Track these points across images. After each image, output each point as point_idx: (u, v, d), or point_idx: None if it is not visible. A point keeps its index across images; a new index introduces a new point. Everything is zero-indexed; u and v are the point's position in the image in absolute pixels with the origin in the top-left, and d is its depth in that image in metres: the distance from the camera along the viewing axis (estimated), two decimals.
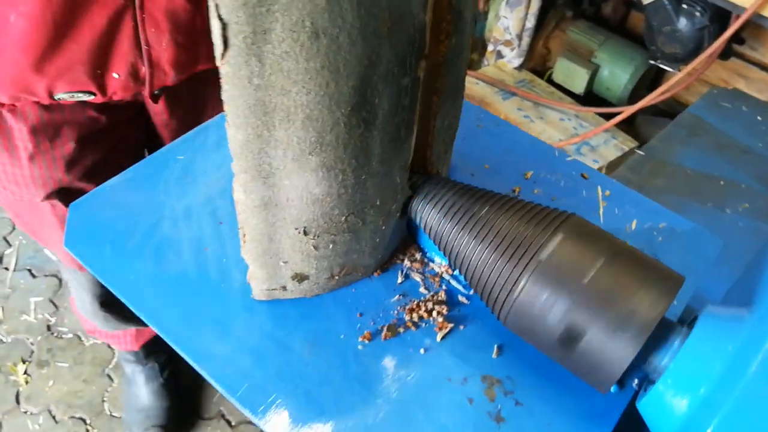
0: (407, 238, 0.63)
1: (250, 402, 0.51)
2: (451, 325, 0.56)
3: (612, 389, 0.53)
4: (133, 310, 0.56)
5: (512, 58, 2.27)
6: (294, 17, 0.38)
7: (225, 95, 0.41)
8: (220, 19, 0.37)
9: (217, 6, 0.36)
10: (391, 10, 0.40)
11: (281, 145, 0.44)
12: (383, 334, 0.56)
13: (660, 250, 0.65)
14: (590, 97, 2.26)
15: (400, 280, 0.60)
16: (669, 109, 2.28)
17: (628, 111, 1.88)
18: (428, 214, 0.55)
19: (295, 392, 0.52)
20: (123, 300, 0.57)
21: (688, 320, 0.49)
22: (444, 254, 0.55)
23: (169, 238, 0.62)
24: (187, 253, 0.61)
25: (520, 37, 2.22)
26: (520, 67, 2.28)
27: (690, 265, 0.64)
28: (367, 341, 0.55)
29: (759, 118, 1.01)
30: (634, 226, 0.67)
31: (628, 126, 2.11)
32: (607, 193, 0.69)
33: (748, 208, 0.87)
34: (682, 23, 1.77)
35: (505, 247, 0.49)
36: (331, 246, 0.53)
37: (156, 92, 0.81)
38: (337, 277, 0.57)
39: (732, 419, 0.39)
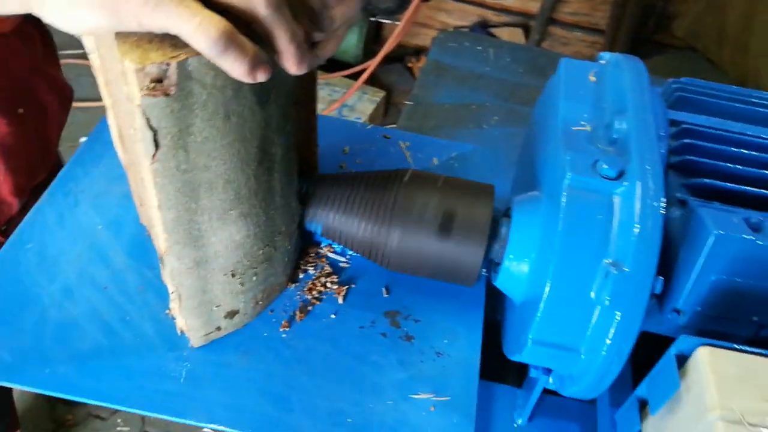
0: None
1: (239, 423, 0.57)
2: (345, 288, 0.69)
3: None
4: (76, 399, 0.57)
5: None
6: (210, 109, 0.46)
7: (155, 186, 0.47)
8: (151, 128, 0.43)
9: (147, 119, 0.43)
10: (274, 82, 0.49)
11: (207, 211, 0.52)
12: (297, 316, 0.66)
13: (461, 172, 0.84)
14: (332, 64, 2.47)
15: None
16: (397, 55, 2.58)
17: (371, 67, 2.11)
18: (309, 214, 0.66)
19: (255, 394, 0.60)
20: (61, 395, 0.58)
21: (503, 212, 0.68)
22: (328, 238, 0.66)
23: (62, 322, 0.63)
24: (89, 326, 0.63)
25: None
26: None
27: (482, 176, 0.84)
28: (287, 329, 0.65)
29: (479, 47, 1.27)
30: (436, 162, 0.85)
31: (370, 78, 2.36)
32: (408, 144, 0.86)
33: (497, 120, 1.11)
34: None
35: (372, 206, 0.63)
36: (254, 278, 0.61)
37: (3, 228, 0.78)
38: (261, 303, 0.66)
39: (559, 268, 0.57)
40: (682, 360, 0.53)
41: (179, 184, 0.49)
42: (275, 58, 0.46)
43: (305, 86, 0.65)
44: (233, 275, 0.59)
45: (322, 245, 0.73)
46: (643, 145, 0.57)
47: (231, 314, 0.63)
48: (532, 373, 0.65)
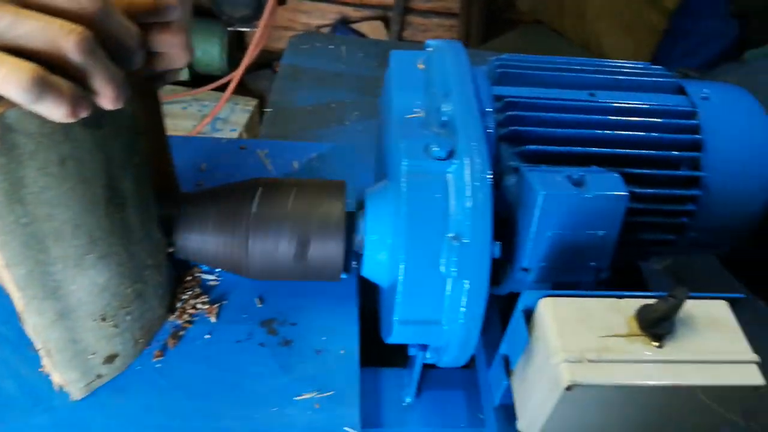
0: None
1: None
2: (217, 305, 0.69)
3: (342, 276, 0.72)
4: None
5: None
6: (41, 158, 0.44)
7: None
8: None
9: None
10: (111, 117, 0.47)
11: (60, 260, 0.50)
12: (170, 343, 0.65)
13: (323, 172, 0.86)
14: (198, 79, 2.41)
15: None
16: (264, 61, 2.56)
17: (236, 77, 2.08)
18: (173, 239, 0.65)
19: (134, 431, 0.58)
20: None
21: (360, 205, 0.70)
22: (193, 260, 0.66)
23: None
24: None
25: None
26: None
27: (344, 172, 0.86)
28: (160, 357, 0.64)
29: (331, 46, 1.29)
30: (296, 165, 0.86)
31: (240, 88, 2.33)
32: (266, 151, 0.87)
33: (358, 114, 1.14)
34: None
35: (226, 222, 0.63)
36: (128, 318, 0.59)
37: None
38: (141, 341, 0.63)
39: (409, 250, 0.60)
40: (530, 314, 0.58)
41: (23, 238, 0.47)
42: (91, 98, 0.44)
43: (149, 113, 0.63)
44: (104, 319, 0.57)
45: (194, 267, 0.72)
46: (467, 124, 0.61)
47: (110, 359, 0.61)
48: (411, 351, 0.69)
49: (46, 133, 0.44)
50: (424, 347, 0.68)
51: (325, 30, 2.59)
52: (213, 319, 0.67)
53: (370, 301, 0.76)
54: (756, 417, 0.57)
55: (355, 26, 2.58)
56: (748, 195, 0.72)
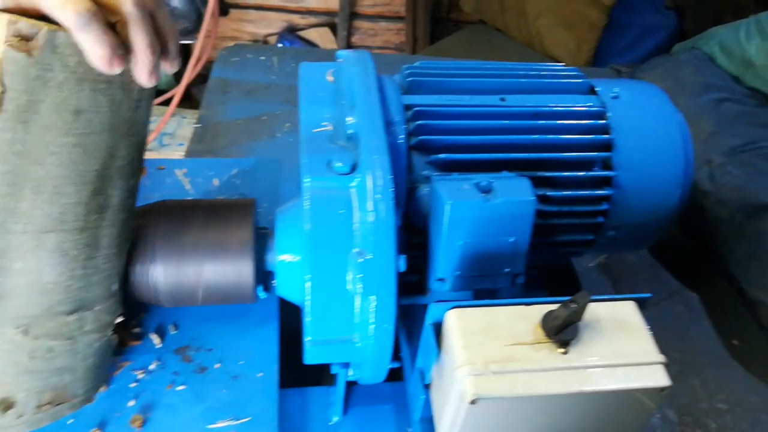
0: None
1: None
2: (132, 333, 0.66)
3: (261, 296, 0.71)
4: None
5: None
6: (64, 94, 0.45)
7: None
8: (2, 83, 0.42)
9: (2, 73, 0.42)
10: (131, 117, 0.50)
11: (23, 219, 0.47)
12: None
13: (246, 188, 0.84)
14: None
15: None
16: (209, 72, 2.52)
17: (179, 91, 2.04)
18: None
19: None
20: None
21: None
22: None
23: None
24: None
25: None
26: None
27: (266, 187, 0.85)
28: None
29: (262, 57, 1.28)
30: (216, 183, 0.84)
31: (188, 101, 2.29)
32: (184, 170, 0.85)
33: (289, 126, 1.13)
34: (176, 2, 1.97)
35: (133, 249, 0.60)
36: (48, 355, 0.53)
37: None
38: (45, 407, 0.55)
39: (314, 268, 0.59)
40: (440, 327, 0.57)
41: (7, 167, 0.45)
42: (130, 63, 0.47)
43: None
44: (26, 333, 0.51)
45: None
46: (370, 136, 0.60)
47: (5, 405, 0.53)
48: (333, 369, 0.68)
49: (79, 75, 0.46)
50: (346, 364, 0.67)
51: (272, 39, 2.57)
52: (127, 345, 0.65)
53: (293, 319, 0.74)
54: None
55: (302, 34, 2.56)
56: (662, 190, 0.73)
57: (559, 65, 0.79)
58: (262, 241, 0.65)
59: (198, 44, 1.95)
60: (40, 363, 0.53)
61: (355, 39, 2.61)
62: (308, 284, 0.57)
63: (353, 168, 0.59)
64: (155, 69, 0.50)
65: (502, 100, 0.72)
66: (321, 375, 0.75)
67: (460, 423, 0.53)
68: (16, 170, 0.46)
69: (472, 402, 0.50)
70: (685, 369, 0.92)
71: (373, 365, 0.60)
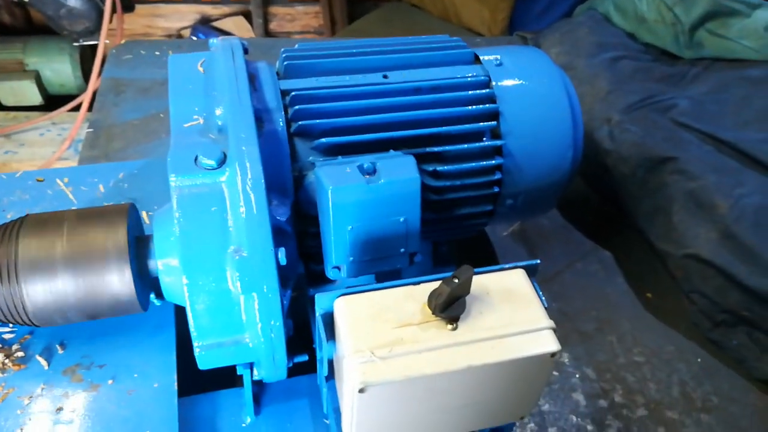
0: None
1: None
2: (15, 359, 0.62)
3: (157, 303, 0.67)
4: None
5: None
6: None
7: None
8: None
9: None
10: None
11: None
12: None
13: (135, 191, 0.80)
14: (54, 100, 2.24)
15: None
16: None
17: (87, 95, 1.95)
18: None
19: None
20: None
21: None
22: None
23: None
24: None
25: None
26: None
27: (159, 190, 0.81)
28: None
29: (157, 53, 1.22)
30: (102, 189, 0.80)
31: None
32: (66, 180, 0.80)
33: None
34: (73, 2, 1.86)
35: None
36: None
37: None
38: None
39: (189, 272, 0.56)
40: (331, 317, 0.55)
41: None
42: None
43: None
44: None
45: None
46: (238, 127, 0.57)
47: None
48: (238, 370, 0.65)
49: None
50: (249, 365, 0.64)
51: (186, 32, 2.47)
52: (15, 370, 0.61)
53: None
54: None
55: (217, 24, 2.47)
56: (553, 152, 0.73)
57: (443, 36, 0.78)
58: (143, 247, 0.62)
59: (100, 45, 1.85)
60: None
61: (273, 26, 2.55)
62: (185, 288, 0.54)
63: (222, 162, 0.56)
64: None
65: (385, 77, 0.70)
66: (234, 376, 0.73)
67: (356, 412, 0.51)
68: None
69: (361, 390, 0.48)
70: (602, 326, 0.94)
71: (269, 363, 0.58)
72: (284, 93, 0.66)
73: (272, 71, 0.69)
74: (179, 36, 2.50)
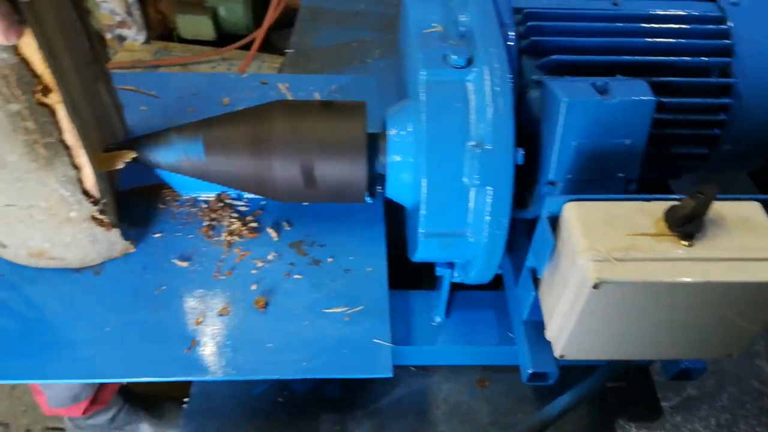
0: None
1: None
2: (249, 229, 0.70)
3: (368, 200, 0.73)
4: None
5: (135, 35, 2.27)
6: None
7: None
8: None
9: None
10: None
11: None
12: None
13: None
14: (223, 38, 2.41)
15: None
16: (289, 19, 2.54)
17: (260, 34, 2.08)
18: (172, 159, 0.66)
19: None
20: None
21: (382, 127, 0.70)
22: (221, 184, 0.66)
23: None
24: None
25: (129, 13, 2.22)
26: (147, 40, 2.30)
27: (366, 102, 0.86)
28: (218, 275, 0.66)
29: None
30: (317, 96, 0.86)
31: (267, 46, 2.32)
32: (287, 85, 0.87)
33: (379, 52, 1.13)
34: None
35: (247, 145, 0.63)
36: (9, 223, 0.61)
37: None
38: (35, 259, 0.64)
39: (430, 162, 0.59)
40: (555, 221, 0.57)
41: None
42: None
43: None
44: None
45: (222, 194, 0.73)
46: (485, 32, 0.60)
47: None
48: (438, 271, 0.69)
49: None
50: (451, 265, 0.68)
51: None
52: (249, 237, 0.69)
53: (396, 227, 0.76)
54: None
55: None
56: None
57: None
58: (373, 143, 0.67)
59: None
60: (12, 228, 0.62)
61: None
62: (425, 178, 0.58)
63: (469, 62, 0.59)
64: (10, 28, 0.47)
65: (615, 5, 0.70)
66: (414, 283, 0.77)
67: (579, 309, 0.53)
68: None
69: (595, 286, 0.50)
70: None
71: (484, 261, 0.62)
72: (516, 10, 0.68)
73: None
74: None
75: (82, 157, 0.57)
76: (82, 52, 0.63)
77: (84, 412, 1.46)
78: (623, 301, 0.52)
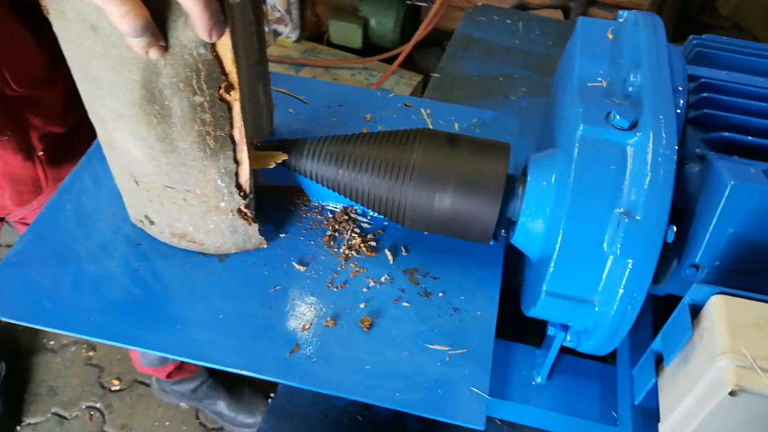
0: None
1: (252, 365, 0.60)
2: (369, 247, 0.70)
3: (491, 242, 0.71)
4: (110, 343, 0.61)
5: (289, 33, 2.40)
6: (77, 9, 0.50)
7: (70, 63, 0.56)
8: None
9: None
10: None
11: (100, 104, 0.58)
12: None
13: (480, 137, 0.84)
14: (368, 48, 2.48)
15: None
16: (435, 40, 2.57)
17: (405, 50, 2.12)
18: (313, 168, 0.67)
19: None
20: (96, 340, 0.61)
21: (521, 171, 0.68)
22: (348, 198, 0.67)
23: (98, 274, 0.67)
24: (123, 279, 0.67)
25: (289, 11, 2.35)
26: (299, 39, 2.42)
27: (505, 140, 0.84)
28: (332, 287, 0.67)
29: (508, 21, 1.27)
30: (456, 127, 0.85)
31: (408, 63, 2.37)
32: (429, 111, 0.87)
33: (525, 91, 1.11)
34: None
35: (388, 163, 0.64)
36: (163, 203, 0.65)
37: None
38: (176, 239, 0.69)
39: (571, 220, 0.57)
40: (696, 310, 0.52)
41: (79, 67, 0.56)
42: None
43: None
44: (137, 183, 0.64)
45: (349, 207, 0.74)
46: (657, 97, 0.57)
47: (149, 219, 0.69)
48: (550, 331, 0.66)
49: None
50: (565, 327, 0.65)
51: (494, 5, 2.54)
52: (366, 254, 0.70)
53: (510, 275, 0.74)
54: None
55: (532, 13, 2.50)
56: None
57: None
58: (510, 186, 0.65)
59: (434, 8, 1.99)
60: (160, 207, 0.66)
61: None
62: (561, 233, 0.56)
63: (633, 125, 0.56)
64: (215, 25, 0.49)
65: None
66: (518, 336, 0.74)
67: (703, 415, 0.49)
68: (85, 71, 0.55)
69: (732, 393, 0.45)
70: None
71: (606, 334, 0.58)
72: (691, 78, 0.64)
73: (681, 55, 0.67)
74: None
75: (244, 153, 0.60)
76: (252, 52, 0.67)
77: (169, 376, 1.54)
78: (760, 415, 0.47)
